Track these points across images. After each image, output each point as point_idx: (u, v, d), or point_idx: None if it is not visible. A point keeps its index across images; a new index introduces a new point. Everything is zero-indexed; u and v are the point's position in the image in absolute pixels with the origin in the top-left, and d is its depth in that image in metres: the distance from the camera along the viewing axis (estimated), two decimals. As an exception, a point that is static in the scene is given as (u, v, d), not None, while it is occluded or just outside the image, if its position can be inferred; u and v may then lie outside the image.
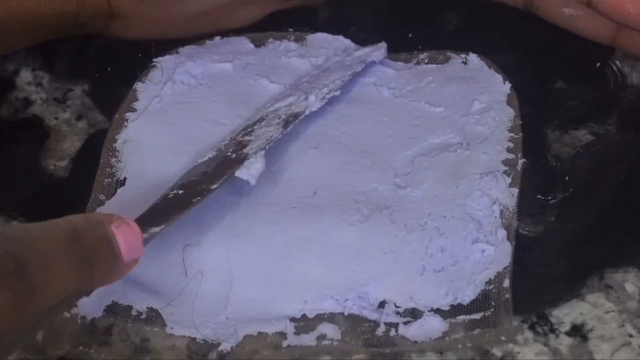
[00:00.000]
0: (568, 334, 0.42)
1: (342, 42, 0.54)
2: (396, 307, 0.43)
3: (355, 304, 0.43)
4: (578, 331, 0.42)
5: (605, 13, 0.48)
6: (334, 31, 0.55)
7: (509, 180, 0.46)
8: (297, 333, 0.42)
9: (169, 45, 0.54)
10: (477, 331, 0.41)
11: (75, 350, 0.42)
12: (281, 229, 0.45)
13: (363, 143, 0.49)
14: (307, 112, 0.48)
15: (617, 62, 0.52)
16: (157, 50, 0.54)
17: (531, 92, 0.51)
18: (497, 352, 0.41)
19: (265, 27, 0.55)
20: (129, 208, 0.45)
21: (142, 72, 0.53)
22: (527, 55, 0.52)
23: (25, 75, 0.57)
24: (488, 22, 0.54)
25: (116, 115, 0.50)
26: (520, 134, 0.48)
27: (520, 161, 0.47)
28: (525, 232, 0.45)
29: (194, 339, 0.42)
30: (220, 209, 0.46)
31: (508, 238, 0.44)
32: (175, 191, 0.44)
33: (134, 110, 0.51)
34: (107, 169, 0.48)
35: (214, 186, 0.44)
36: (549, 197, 0.46)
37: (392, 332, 0.42)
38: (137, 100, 0.51)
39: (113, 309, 0.43)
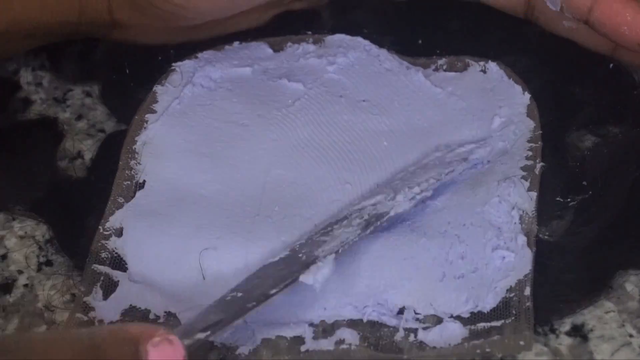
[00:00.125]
0: (568, 334, 0.42)
1: (360, 42, 0.54)
2: (416, 313, 0.43)
3: (375, 310, 0.43)
4: (578, 331, 0.42)
5: (602, 33, 0.48)
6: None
7: (527, 184, 0.46)
8: (315, 338, 0.42)
9: (186, 50, 0.54)
10: (496, 337, 0.41)
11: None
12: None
13: (383, 160, 0.49)
14: (392, 213, 0.44)
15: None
16: (175, 55, 0.54)
17: (547, 97, 0.51)
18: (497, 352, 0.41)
19: (271, 31, 0.56)
20: (147, 211, 0.47)
21: (153, 74, 0.53)
22: (540, 60, 0.52)
23: (25, 75, 0.57)
24: (495, 28, 0.54)
25: (136, 117, 0.51)
26: (539, 142, 0.48)
27: (539, 165, 0.47)
28: (545, 237, 0.45)
29: (195, 339, 0.42)
30: (238, 213, 0.47)
31: (528, 244, 0.44)
32: (234, 294, 0.42)
33: (153, 112, 0.51)
34: (127, 171, 0.49)
35: (274, 291, 0.41)
36: (568, 200, 0.46)
37: (412, 338, 0.42)
38: (156, 102, 0.52)
39: (130, 313, 0.44)
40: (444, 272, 0.44)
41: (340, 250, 0.43)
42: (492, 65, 0.52)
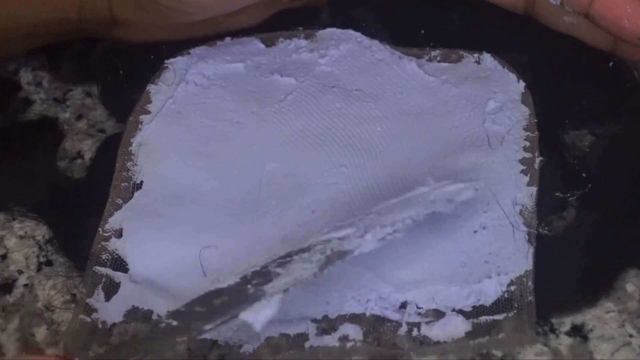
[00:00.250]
0: (568, 334, 0.42)
1: (351, 35, 0.54)
2: (418, 307, 0.43)
3: (377, 304, 0.43)
4: (578, 331, 0.42)
5: (602, 26, 0.48)
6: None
7: (527, 179, 0.46)
8: (318, 334, 0.43)
9: (179, 46, 0.54)
10: (501, 336, 0.41)
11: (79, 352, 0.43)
12: (302, 232, 0.46)
13: (379, 144, 0.49)
14: (357, 252, 0.41)
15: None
16: (168, 52, 0.54)
17: (544, 91, 0.51)
18: (497, 352, 0.42)
19: (270, 28, 0.55)
20: (146, 211, 0.47)
21: (150, 73, 0.53)
22: (537, 55, 0.52)
23: (25, 75, 0.57)
24: (493, 23, 0.54)
25: (130, 118, 0.51)
26: (536, 132, 0.48)
27: (538, 159, 0.47)
28: (545, 232, 0.45)
29: (194, 338, 0.43)
30: (237, 210, 0.47)
31: (529, 239, 0.44)
32: (168, 321, 0.40)
33: (148, 112, 0.51)
34: (124, 173, 0.49)
35: (208, 327, 0.39)
36: (568, 195, 0.47)
37: (415, 332, 0.42)
38: (150, 102, 0.52)
39: (133, 314, 0.44)
40: (446, 267, 0.44)
41: (290, 289, 0.40)
42: (487, 57, 0.53)
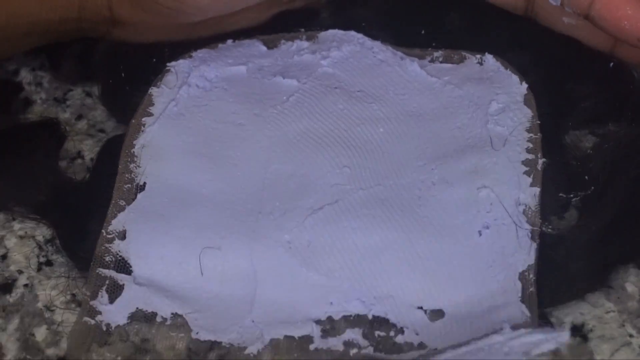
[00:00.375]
0: (568, 334, 0.43)
1: (353, 36, 0.55)
2: (422, 309, 0.43)
3: (381, 305, 0.43)
4: (578, 331, 0.43)
5: (602, 27, 0.48)
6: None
7: (529, 180, 0.47)
8: (323, 337, 0.43)
9: (180, 48, 0.54)
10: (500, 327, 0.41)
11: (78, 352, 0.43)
12: (306, 232, 0.46)
13: (381, 145, 0.50)
14: None
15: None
16: (170, 54, 0.54)
17: (544, 92, 0.51)
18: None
19: (271, 30, 0.55)
20: (149, 213, 0.47)
21: (151, 74, 0.53)
22: (537, 56, 0.53)
23: (25, 75, 0.57)
24: (493, 24, 0.54)
25: (133, 121, 0.51)
26: (538, 134, 0.48)
27: (541, 161, 0.47)
28: (549, 231, 0.46)
29: (194, 339, 0.43)
30: (240, 212, 0.47)
31: (532, 236, 0.44)
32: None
33: (150, 114, 0.51)
34: (127, 175, 0.49)
35: None
36: (571, 196, 0.47)
37: (417, 334, 0.42)
38: (153, 104, 0.51)
39: (137, 316, 0.44)
40: (450, 268, 0.44)
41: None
42: (489, 58, 0.53)
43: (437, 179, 0.47)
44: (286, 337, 0.43)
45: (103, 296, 0.45)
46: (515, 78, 0.51)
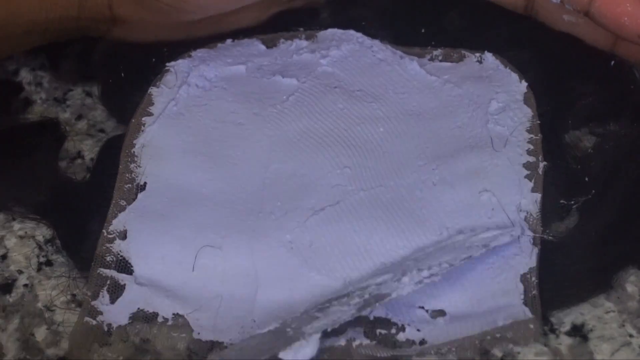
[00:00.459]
0: (568, 334, 0.43)
1: (352, 35, 0.55)
2: (424, 309, 0.43)
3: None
4: (578, 331, 0.43)
5: (602, 24, 0.48)
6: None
7: (531, 185, 0.46)
8: (325, 336, 0.42)
9: (180, 48, 0.54)
10: (502, 324, 0.41)
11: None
12: (307, 232, 0.46)
13: (382, 145, 0.50)
14: (394, 295, 0.41)
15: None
16: (169, 54, 0.54)
17: (544, 90, 0.51)
18: (497, 352, 0.42)
19: (271, 29, 0.56)
20: (150, 213, 0.47)
21: (150, 73, 0.53)
22: (536, 54, 0.53)
23: (25, 75, 0.57)
24: (492, 22, 0.54)
25: (133, 120, 0.51)
26: (539, 135, 0.48)
27: (542, 164, 0.47)
28: (550, 238, 0.45)
29: (195, 339, 0.43)
30: (241, 212, 0.47)
31: (534, 242, 0.44)
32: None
33: (150, 114, 0.51)
34: (127, 175, 0.49)
35: None
36: (572, 202, 0.47)
37: (418, 333, 0.42)
38: (152, 104, 0.51)
39: (138, 317, 0.44)
40: (452, 269, 0.43)
41: (329, 329, 0.40)
42: (489, 56, 0.53)
43: (437, 180, 0.47)
44: None
45: (104, 296, 0.45)
46: (514, 76, 0.52)
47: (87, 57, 0.55)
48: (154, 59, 0.54)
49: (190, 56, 0.54)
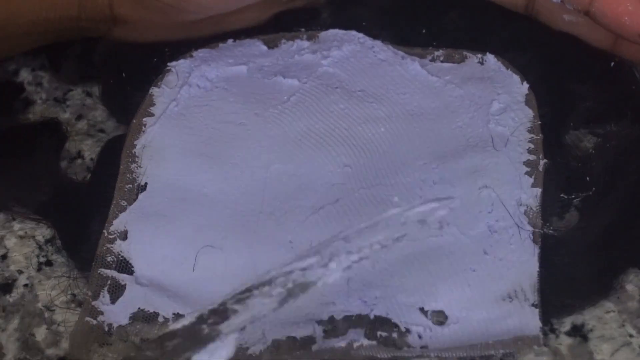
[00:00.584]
0: (568, 334, 0.43)
1: (354, 36, 0.55)
2: (424, 311, 0.43)
3: (383, 305, 0.43)
4: (578, 331, 0.43)
5: (602, 24, 0.48)
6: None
7: (531, 180, 0.47)
8: (326, 337, 0.43)
9: (181, 48, 0.54)
10: (507, 338, 0.41)
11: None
12: (307, 231, 0.46)
13: (383, 145, 0.50)
14: (320, 284, 0.38)
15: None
16: (170, 54, 0.54)
17: (544, 91, 0.51)
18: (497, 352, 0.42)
19: (272, 30, 0.56)
20: (151, 213, 0.47)
21: (151, 74, 0.53)
22: (537, 55, 0.53)
23: (26, 76, 0.57)
24: (493, 22, 0.54)
25: (134, 121, 0.51)
26: (540, 134, 0.48)
27: (542, 162, 0.47)
28: (550, 232, 0.46)
29: None
30: (242, 212, 0.47)
31: (534, 238, 0.45)
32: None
33: (151, 115, 0.51)
34: (128, 175, 0.49)
35: None
36: (572, 197, 0.47)
37: (419, 335, 0.42)
38: (153, 105, 0.51)
39: (139, 317, 0.44)
40: (452, 269, 0.44)
41: (246, 327, 0.38)
42: (490, 57, 0.53)
43: (438, 179, 0.47)
44: (288, 337, 0.43)
45: (105, 296, 0.45)
46: (516, 78, 0.52)
47: (88, 57, 0.55)
48: (154, 59, 0.54)
49: (191, 56, 0.54)
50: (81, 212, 0.48)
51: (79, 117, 0.54)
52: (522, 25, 0.53)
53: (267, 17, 0.56)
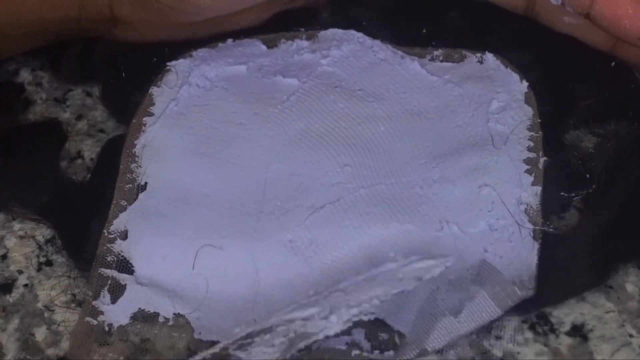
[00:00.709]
0: (568, 334, 0.43)
1: (353, 35, 0.55)
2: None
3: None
4: (578, 331, 0.43)
5: (602, 26, 0.48)
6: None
7: (531, 178, 0.47)
8: (326, 337, 0.42)
9: (180, 48, 0.54)
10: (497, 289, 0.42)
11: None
12: (307, 231, 0.46)
13: (382, 144, 0.50)
14: (321, 336, 0.39)
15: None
16: (170, 54, 0.54)
17: (544, 91, 0.51)
18: (497, 352, 0.42)
19: (271, 29, 0.56)
20: (151, 213, 0.47)
21: (151, 74, 0.53)
22: (537, 56, 0.53)
23: (25, 76, 0.57)
24: (493, 23, 0.54)
25: (134, 120, 0.51)
26: (540, 132, 0.49)
27: (542, 159, 0.47)
28: (550, 230, 0.46)
29: (195, 339, 0.43)
30: (242, 212, 0.47)
31: (534, 236, 0.45)
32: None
33: (151, 114, 0.51)
34: (128, 175, 0.49)
35: None
36: (572, 195, 0.47)
37: (418, 343, 0.42)
38: (153, 104, 0.52)
39: (139, 317, 0.44)
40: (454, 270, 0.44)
41: None
42: (489, 56, 0.53)
43: (438, 177, 0.47)
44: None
45: (105, 296, 0.45)
46: (515, 76, 0.52)
47: (88, 58, 0.55)
48: (154, 59, 0.54)
49: (191, 56, 0.54)
50: (81, 212, 0.48)
51: (79, 117, 0.55)
52: (522, 26, 0.53)
53: (267, 17, 0.55)
